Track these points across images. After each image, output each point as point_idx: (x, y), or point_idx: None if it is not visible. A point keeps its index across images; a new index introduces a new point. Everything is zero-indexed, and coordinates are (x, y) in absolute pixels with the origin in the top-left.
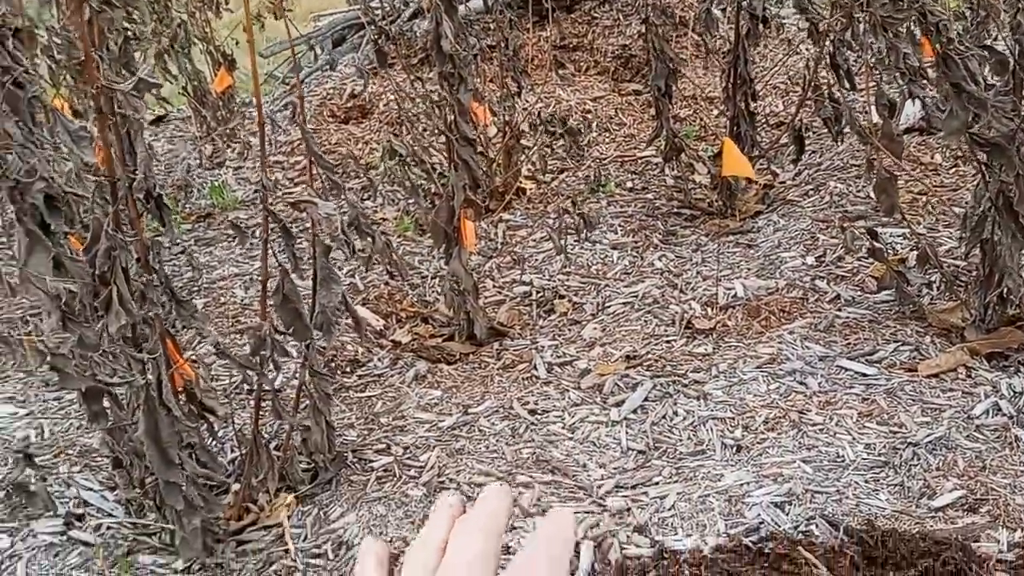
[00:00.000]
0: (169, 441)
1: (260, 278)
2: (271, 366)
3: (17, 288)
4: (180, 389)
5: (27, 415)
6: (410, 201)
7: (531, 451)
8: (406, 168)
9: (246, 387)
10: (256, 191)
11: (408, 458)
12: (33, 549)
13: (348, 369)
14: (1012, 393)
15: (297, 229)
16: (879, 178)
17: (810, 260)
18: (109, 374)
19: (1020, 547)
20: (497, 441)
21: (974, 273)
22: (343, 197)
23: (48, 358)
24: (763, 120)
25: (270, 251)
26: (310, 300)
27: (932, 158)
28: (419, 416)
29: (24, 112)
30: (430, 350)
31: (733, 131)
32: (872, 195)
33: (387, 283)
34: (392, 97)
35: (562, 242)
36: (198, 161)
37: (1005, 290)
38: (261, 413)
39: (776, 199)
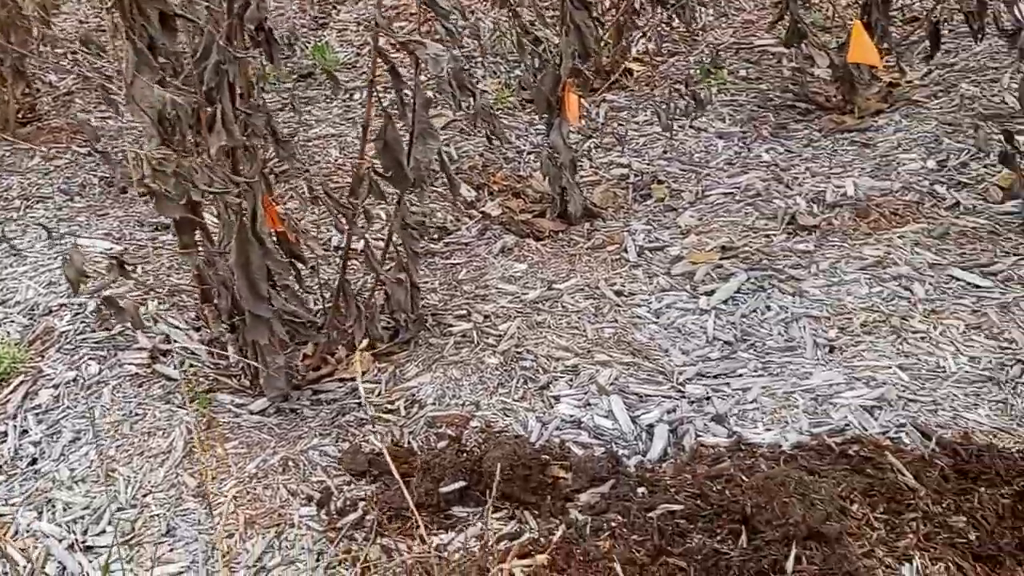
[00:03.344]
0: (258, 273)
1: (362, 121)
2: (362, 215)
3: (123, 108)
4: (272, 231)
5: (121, 252)
6: (513, 73)
7: (613, 331)
8: (515, 18)
9: (333, 244)
10: (359, 53)
11: (487, 326)
12: (119, 378)
13: (436, 236)
14: None
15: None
16: None
17: (931, 164)
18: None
19: None
20: (579, 318)
21: None
22: (450, 49)
23: (145, 178)
24: (897, 11)
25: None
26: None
27: None
28: (502, 287)
29: None
30: (520, 224)
31: (864, 20)
32: (1011, 99)
33: (481, 154)
34: None
35: (668, 121)
36: (302, 20)
37: None
38: (348, 267)
39: (900, 99)
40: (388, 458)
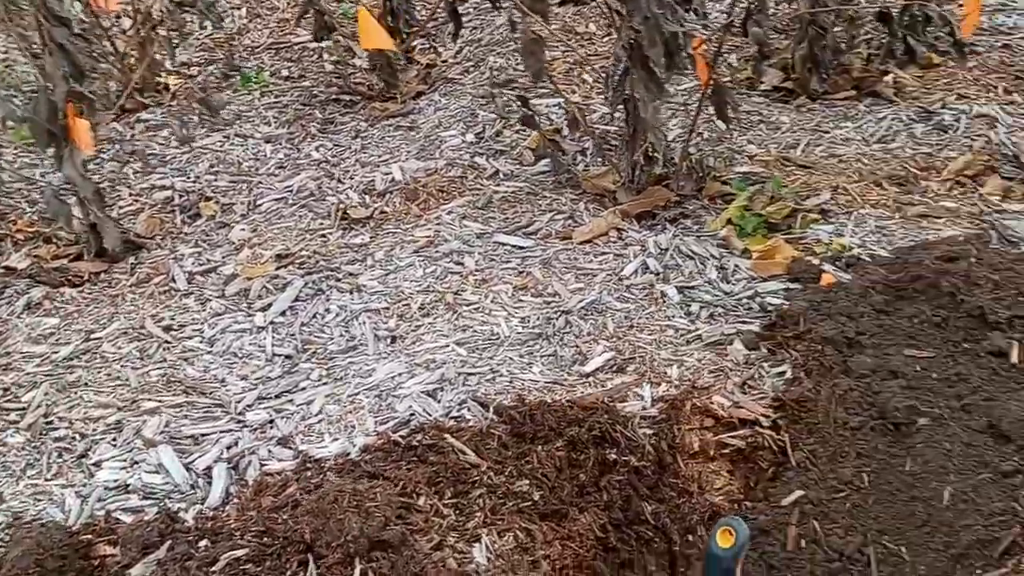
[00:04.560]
0: None
1: None
2: None
3: None
4: None
5: None
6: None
7: (161, 372)
8: None
9: None
10: None
11: (8, 400)
12: None
13: None
14: (659, 250)
15: None
16: (525, 41)
17: (470, 137)
18: None
19: (663, 400)
20: (122, 366)
21: (621, 136)
22: None
23: None
24: None
25: None
26: None
27: (587, 27)
28: (28, 350)
29: None
30: (52, 273)
31: (386, 6)
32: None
33: None
34: None
35: (184, 133)
36: None
37: (649, 148)
38: None
39: (438, 78)
40: None
